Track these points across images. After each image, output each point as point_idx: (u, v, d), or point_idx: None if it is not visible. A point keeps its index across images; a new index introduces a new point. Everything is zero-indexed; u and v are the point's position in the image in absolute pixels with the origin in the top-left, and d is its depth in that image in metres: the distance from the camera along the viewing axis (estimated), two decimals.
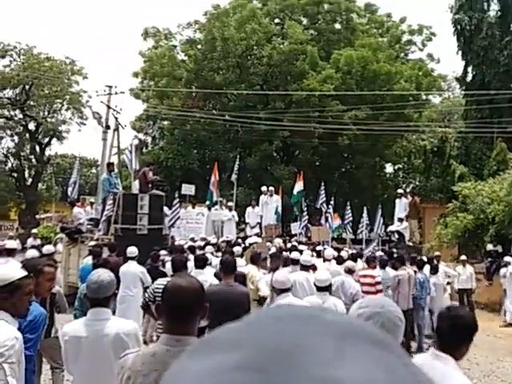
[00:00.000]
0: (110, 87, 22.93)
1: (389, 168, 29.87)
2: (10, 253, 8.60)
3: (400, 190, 19.34)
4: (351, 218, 17.67)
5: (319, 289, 5.92)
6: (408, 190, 23.98)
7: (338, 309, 5.80)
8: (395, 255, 12.23)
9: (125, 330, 3.37)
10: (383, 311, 1.92)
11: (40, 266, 4.20)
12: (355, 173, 25.82)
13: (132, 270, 8.68)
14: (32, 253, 8.48)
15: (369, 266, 9.93)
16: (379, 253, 13.12)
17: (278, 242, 13.66)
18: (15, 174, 33.06)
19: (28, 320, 3.57)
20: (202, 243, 13.16)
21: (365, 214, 17.35)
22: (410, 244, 16.85)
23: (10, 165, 33.65)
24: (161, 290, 6.10)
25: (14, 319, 2.98)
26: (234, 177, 19.25)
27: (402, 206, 17.70)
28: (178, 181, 24.12)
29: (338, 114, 23.42)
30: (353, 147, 24.42)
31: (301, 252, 10.75)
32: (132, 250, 9.03)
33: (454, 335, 2.63)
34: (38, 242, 15.20)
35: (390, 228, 17.79)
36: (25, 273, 3.11)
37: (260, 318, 0.50)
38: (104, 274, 3.52)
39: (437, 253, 13.41)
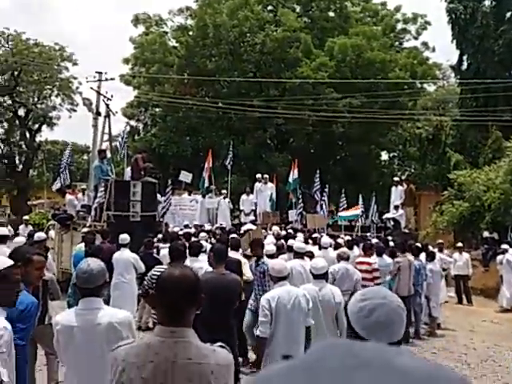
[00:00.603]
0: (100, 73, 22.51)
1: (384, 156, 29.88)
2: (2, 240, 8.38)
3: (396, 178, 19.28)
4: (345, 206, 17.59)
5: (315, 276, 5.79)
6: (403, 177, 23.91)
7: (336, 296, 5.71)
8: (391, 243, 12.20)
9: (118, 318, 3.30)
10: (387, 302, 1.84)
11: (28, 255, 4.06)
12: (350, 160, 25.68)
13: (124, 256, 8.59)
14: (20, 240, 8.33)
15: (365, 254, 9.87)
16: (375, 240, 13.06)
17: (276, 229, 13.54)
18: (5, 161, 32.75)
19: (19, 310, 3.49)
20: (195, 230, 13.04)
21: (360, 202, 17.26)
22: (406, 231, 16.82)
23: (0, 151, 33.33)
24: (155, 279, 6.01)
25: (2, 309, 2.91)
26: (228, 162, 19.05)
27: (397, 194, 17.65)
28: (171, 168, 23.95)
29: (333, 102, 23.25)
30: (347, 135, 24.28)
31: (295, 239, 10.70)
32: (124, 237, 8.94)
33: None
34: (30, 228, 15.00)
35: (386, 215, 17.77)
36: (11, 262, 3.01)
37: (329, 363, 0.48)
38: (94, 263, 3.39)
39: (440, 240, 13.44)
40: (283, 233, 13.19)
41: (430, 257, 10.48)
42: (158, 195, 14.51)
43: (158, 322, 2.18)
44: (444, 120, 23.56)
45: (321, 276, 5.77)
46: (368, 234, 15.80)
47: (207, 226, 14.51)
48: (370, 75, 24.13)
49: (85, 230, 11.23)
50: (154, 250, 9.83)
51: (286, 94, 23.95)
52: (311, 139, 24.94)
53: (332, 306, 5.53)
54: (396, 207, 17.21)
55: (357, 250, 11.22)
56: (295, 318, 4.83)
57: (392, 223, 17.16)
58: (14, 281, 2.95)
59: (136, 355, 2.09)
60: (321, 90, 23.65)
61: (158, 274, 6.12)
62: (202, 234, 11.59)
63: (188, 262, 6.56)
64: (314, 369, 0.48)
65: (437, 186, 20.14)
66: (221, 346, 2.23)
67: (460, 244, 13.72)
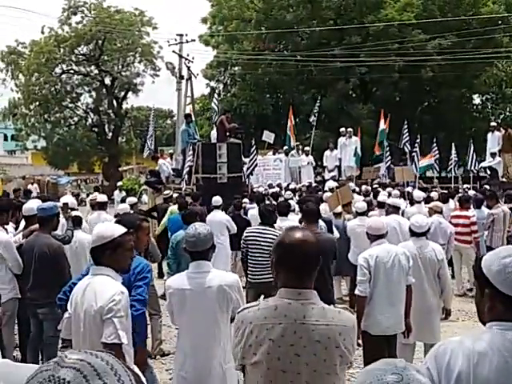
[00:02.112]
0: (181, 35, 22.70)
1: (476, 99, 27.95)
2: (101, 206, 8.89)
3: (493, 123, 17.87)
4: (437, 156, 16.66)
5: (416, 234, 5.51)
6: (499, 121, 22.24)
7: (437, 253, 5.43)
8: (487, 193, 11.50)
9: (227, 281, 3.48)
10: None
11: (138, 222, 4.21)
12: (440, 107, 24.30)
13: (218, 218, 8.75)
14: (124, 206, 8.76)
15: (462, 207, 9.40)
16: (471, 192, 12.34)
17: (365, 187, 13.17)
18: (96, 129, 34.46)
19: (136, 271, 3.72)
20: (278, 189, 13.04)
21: (453, 151, 16.26)
22: (504, 180, 15.73)
23: (90, 120, 35.09)
24: (249, 239, 6.08)
25: (118, 275, 3.05)
26: (312, 119, 18.64)
27: (494, 140, 16.39)
28: (252, 128, 23.98)
29: (420, 45, 22.09)
30: (437, 79, 22.95)
31: (388, 194, 10.36)
32: (217, 199, 9.12)
33: None
34: (123, 194, 15.72)
35: (482, 164, 16.67)
36: (124, 229, 3.13)
37: None
38: (200, 228, 3.52)
39: None
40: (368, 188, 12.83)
41: None
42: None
43: (282, 284, 2.18)
44: None
45: (422, 234, 5.50)
46: (460, 186, 14.90)
47: (292, 185, 14.46)
48: (461, 12, 22.45)
49: (166, 192, 11.59)
50: (242, 211, 9.94)
51: (369, 40, 22.86)
52: (397, 87, 23.76)
53: (434, 263, 5.29)
54: (493, 154, 16.08)
55: (452, 203, 10.73)
56: (395, 277, 4.71)
57: (488, 172, 16.10)
58: (129, 247, 3.09)
59: (264, 317, 2.13)
60: (407, 32, 22.46)
61: (249, 236, 6.22)
62: (287, 193, 11.55)
63: (278, 221, 6.55)
64: None
65: None
66: (344, 308, 2.26)
67: None
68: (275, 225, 6.27)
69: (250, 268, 6.23)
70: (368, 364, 1.31)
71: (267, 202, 9.98)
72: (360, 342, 4.88)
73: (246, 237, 6.32)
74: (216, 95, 15.50)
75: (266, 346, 2.10)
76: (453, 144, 16.44)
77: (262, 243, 6.13)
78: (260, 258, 6.15)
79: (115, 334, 2.77)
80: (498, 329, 1.70)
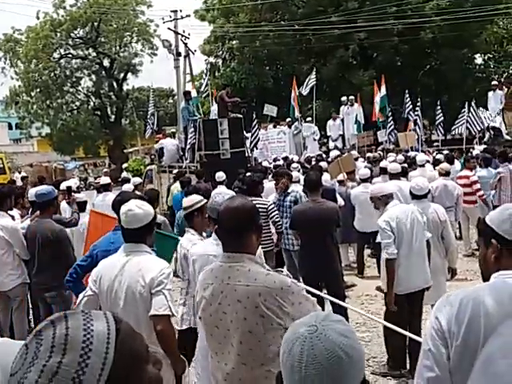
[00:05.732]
0: (176, 12, 22.40)
1: (478, 59, 27.39)
2: (106, 187, 9.02)
3: (494, 82, 17.52)
4: (442, 118, 16.44)
5: (417, 197, 5.54)
6: (502, 79, 21.83)
7: (440, 215, 5.47)
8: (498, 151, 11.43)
9: None
10: None
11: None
12: (442, 69, 23.85)
13: (222, 193, 8.77)
14: (128, 186, 8.93)
15: (466, 167, 9.42)
16: (475, 152, 12.27)
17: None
18: (98, 113, 34.38)
19: None
20: (284, 162, 13.02)
21: (465, 112, 15.93)
22: (509, 138, 15.55)
23: (92, 104, 34.98)
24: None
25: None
26: (307, 89, 18.20)
27: (497, 99, 16.10)
28: (253, 101, 23.79)
29: (418, 6, 21.71)
30: (437, 41, 22.55)
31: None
32: (220, 175, 9.19)
33: None
34: (130, 175, 15.77)
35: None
36: None
37: None
38: (219, 197, 3.85)
39: None
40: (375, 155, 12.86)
41: None
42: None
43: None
44: None
45: (423, 196, 5.53)
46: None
47: (296, 157, 14.41)
48: None
49: (175, 171, 11.73)
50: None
51: (367, 5, 22.39)
52: (397, 51, 23.34)
53: (437, 224, 5.32)
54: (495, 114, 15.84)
55: (458, 164, 10.73)
56: (416, 234, 4.73)
57: (491, 132, 15.89)
58: None
59: (203, 278, 2.37)
60: None
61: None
62: (294, 165, 11.53)
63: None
64: None
65: None
66: (279, 271, 2.33)
67: None
68: None
69: None
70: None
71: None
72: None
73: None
74: (206, 71, 15.27)
75: (202, 304, 2.33)
76: (458, 105, 16.18)
77: None
78: None
79: (166, 306, 2.79)
80: (505, 278, 1.71)
